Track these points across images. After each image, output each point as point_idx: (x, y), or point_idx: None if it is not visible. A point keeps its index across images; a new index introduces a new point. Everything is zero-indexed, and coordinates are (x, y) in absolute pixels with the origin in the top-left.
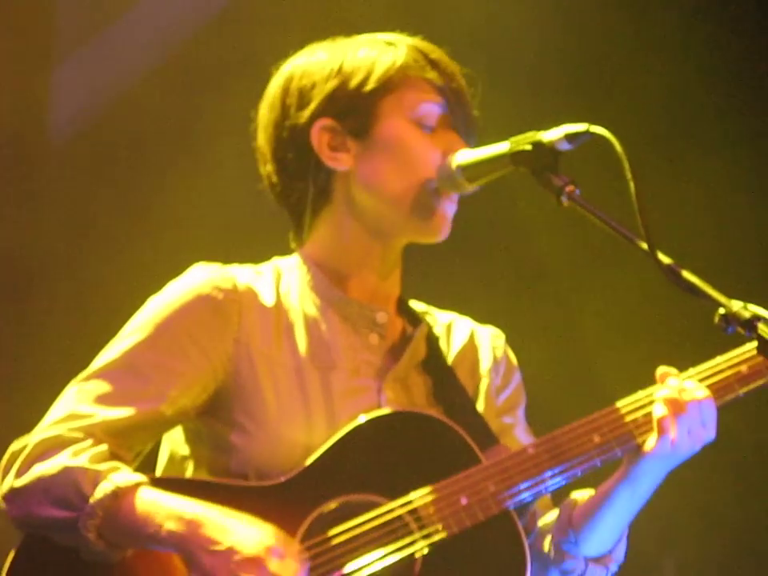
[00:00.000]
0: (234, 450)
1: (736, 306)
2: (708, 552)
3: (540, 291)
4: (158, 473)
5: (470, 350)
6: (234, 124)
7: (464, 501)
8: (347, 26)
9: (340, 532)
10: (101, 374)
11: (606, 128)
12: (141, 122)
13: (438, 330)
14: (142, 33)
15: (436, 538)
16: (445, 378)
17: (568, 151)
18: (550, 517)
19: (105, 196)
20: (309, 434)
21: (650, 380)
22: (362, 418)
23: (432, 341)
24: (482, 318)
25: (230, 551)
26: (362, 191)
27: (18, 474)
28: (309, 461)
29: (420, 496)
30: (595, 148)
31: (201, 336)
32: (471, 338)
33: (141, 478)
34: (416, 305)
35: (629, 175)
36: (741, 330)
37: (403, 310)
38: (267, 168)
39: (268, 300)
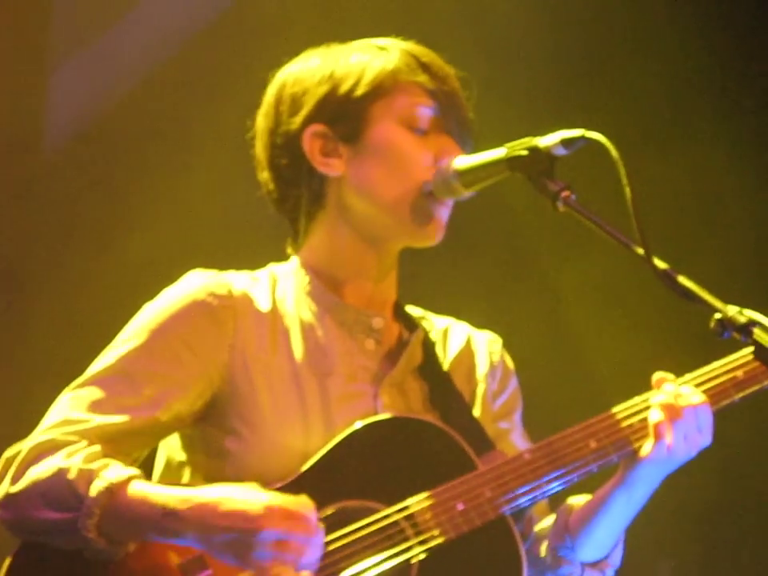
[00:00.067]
0: (229, 456)
1: (731, 310)
2: (704, 557)
3: (533, 289)
4: (155, 479)
5: (466, 355)
6: (231, 129)
7: (460, 506)
8: (345, 31)
9: (336, 538)
10: (95, 381)
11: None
12: (136, 126)
13: (435, 335)
14: (138, 37)
15: (432, 543)
16: (441, 384)
17: (564, 156)
18: (546, 522)
19: (100, 200)
20: (306, 439)
21: (646, 381)
22: (358, 424)
23: (428, 346)
24: (473, 318)
25: (233, 512)
26: (355, 196)
27: (14, 480)
28: (305, 467)
29: (416, 502)
30: (592, 152)
31: (196, 342)
32: (468, 342)
33: (132, 471)
34: (412, 310)
35: (624, 180)
36: (736, 335)
37: (399, 315)
38: (264, 175)
39: (264, 306)
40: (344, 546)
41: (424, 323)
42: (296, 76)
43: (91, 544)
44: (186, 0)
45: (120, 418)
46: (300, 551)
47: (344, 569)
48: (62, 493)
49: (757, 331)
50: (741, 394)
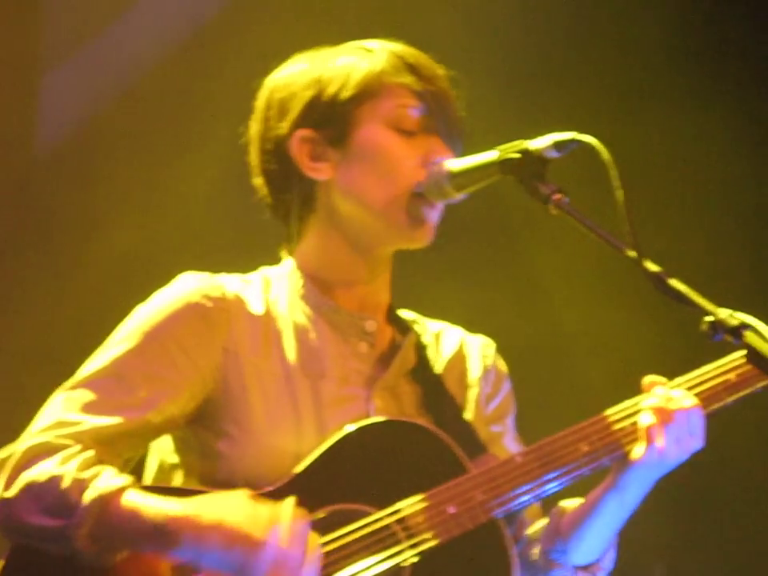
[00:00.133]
0: (221, 458)
1: (723, 313)
2: (697, 560)
3: (524, 291)
4: (146, 482)
5: (459, 358)
6: (220, 131)
7: (452, 510)
8: (336, 33)
9: (328, 541)
10: (88, 383)
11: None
12: (128, 129)
13: (428, 339)
14: (130, 39)
15: (424, 547)
16: (434, 387)
17: (556, 159)
18: (538, 525)
19: (92, 202)
20: (298, 442)
21: (637, 384)
22: (351, 427)
23: (421, 349)
24: (460, 316)
25: (224, 525)
26: (344, 200)
27: (7, 484)
28: (296, 470)
29: (408, 505)
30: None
31: (189, 344)
32: (461, 346)
33: (124, 480)
34: (405, 313)
35: (616, 183)
36: (728, 337)
37: (392, 318)
38: (257, 181)
39: (257, 309)
40: (335, 549)
41: (417, 327)
42: (284, 81)
43: (81, 552)
44: (177, 4)
45: (113, 420)
46: (297, 572)
47: (335, 572)
48: (54, 500)
49: (749, 334)
50: (733, 398)
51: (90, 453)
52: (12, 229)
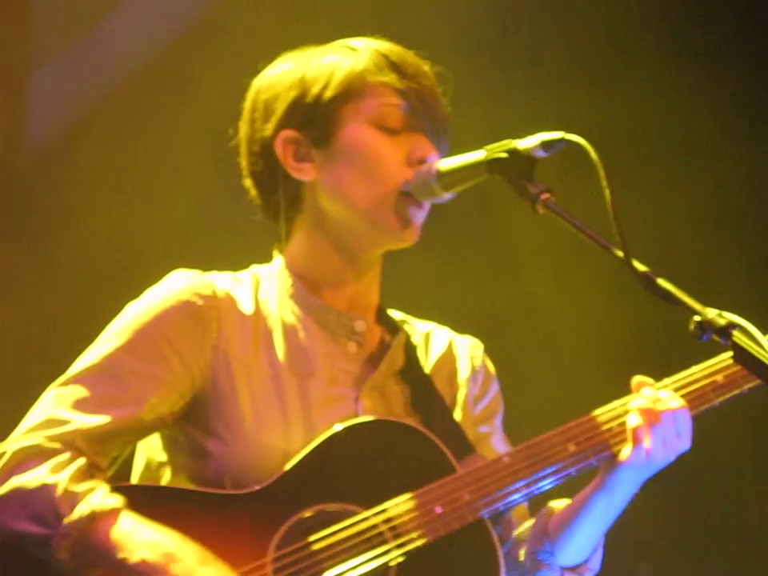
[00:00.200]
0: (209, 457)
1: (711, 313)
2: (684, 560)
3: (512, 293)
4: (134, 480)
5: (448, 359)
6: (210, 129)
7: (439, 510)
8: (323, 32)
9: (314, 540)
10: (79, 379)
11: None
12: (119, 129)
13: (417, 339)
14: (120, 38)
15: (410, 546)
16: (422, 387)
17: (544, 158)
18: (526, 526)
19: (84, 201)
20: (286, 441)
21: (626, 384)
22: (338, 427)
23: (410, 349)
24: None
25: None
26: (329, 200)
27: None
28: (283, 469)
29: (395, 505)
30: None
31: (180, 342)
32: (449, 347)
33: (118, 502)
34: (394, 313)
35: (604, 183)
36: (716, 337)
37: (382, 318)
38: (246, 182)
39: (247, 307)
40: (322, 549)
41: (406, 327)
42: (269, 82)
43: (60, 564)
44: (165, 3)
45: (103, 419)
46: None
47: (322, 571)
48: (43, 509)
49: (736, 334)
50: (720, 399)
51: (82, 461)
52: None
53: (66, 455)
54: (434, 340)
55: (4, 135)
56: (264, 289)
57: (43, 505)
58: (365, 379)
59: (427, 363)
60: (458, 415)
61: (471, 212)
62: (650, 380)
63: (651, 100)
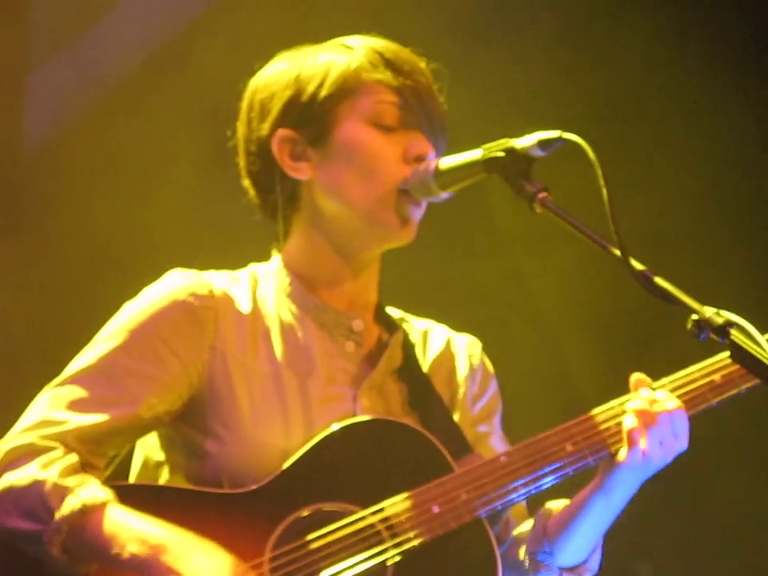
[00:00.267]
0: (207, 457)
1: (708, 312)
2: (683, 560)
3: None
4: (132, 479)
5: (446, 357)
6: (213, 129)
7: (436, 509)
8: (320, 30)
9: (311, 540)
10: (74, 380)
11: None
12: (115, 130)
13: (415, 338)
14: (117, 38)
15: (407, 546)
16: (421, 386)
17: (541, 157)
18: (525, 526)
19: (82, 200)
20: (286, 439)
21: (625, 382)
22: (335, 426)
23: (408, 348)
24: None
25: (205, 571)
26: (326, 199)
27: None
28: (281, 469)
29: (392, 504)
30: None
31: (176, 342)
32: (447, 345)
33: (108, 495)
34: (393, 311)
35: (601, 181)
36: (714, 336)
37: (380, 316)
38: (245, 182)
39: (244, 307)
40: (319, 548)
41: (404, 325)
42: (265, 81)
43: (53, 559)
44: (163, 3)
45: (99, 418)
46: None
47: (319, 571)
48: (34, 504)
49: (734, 332)
50: (718, 399)
51: (73, 457)
52: None
53: (58, 452)
54: (432, 338)
55: (2, 135)
56: (262, 288)
57: (33, 500)
58: (363, 378)
59: (425, 362)
60: (456, 414)
61: (467, 206)
62: (647, 379)
63: (651, 96)
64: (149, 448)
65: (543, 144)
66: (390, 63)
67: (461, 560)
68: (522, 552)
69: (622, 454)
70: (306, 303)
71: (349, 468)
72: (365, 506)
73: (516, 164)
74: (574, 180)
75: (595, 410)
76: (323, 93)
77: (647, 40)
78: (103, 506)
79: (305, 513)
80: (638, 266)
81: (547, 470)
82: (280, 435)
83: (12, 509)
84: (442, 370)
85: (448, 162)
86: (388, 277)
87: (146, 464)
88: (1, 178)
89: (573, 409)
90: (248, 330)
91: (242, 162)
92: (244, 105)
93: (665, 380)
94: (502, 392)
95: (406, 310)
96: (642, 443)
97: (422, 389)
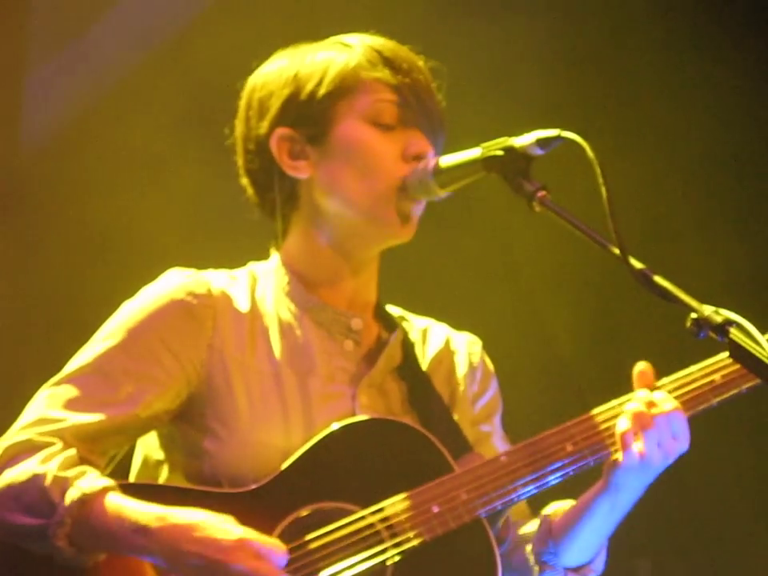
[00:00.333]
0: (206, 456)
1: (707, 310)
2: (682, 557)
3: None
4: (132, 478)
5: (445, 356)
6: (213, 128)
7: (435, 509)
8: (320, 28)
9: (311, 539)
10: (72, 379)
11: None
12: (113, 129)
13: (414, 336)
14: (116, 38)
15: (407, 546)
16: (420, 385)
17: (540, 156)
18: (530, 527)
19: (81, 200)
20: (286, 438)
21: (626, 381)
22: (335, 425)
23: (407, 346)
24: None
25: (207, 539)
26: (325, 197)
27: None
28: (280, 468)
29: (392, 504)
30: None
31: (174, 342)
32: (447, 344)
33: (107, 482)
34: (392, 309)
35: (600, 180)
36: (713, 334)
37: (380, 315)
38: (243, 181)
39: (243, 305)
40: (319, 547)
41: (403, 324)
42: (263, 79)
43: (61, 552)
44: (162, 2)
45: (96, 417)
46: None
47: (319, 570)
48: (35, 499)
49: (733, 330)
50: (718, 398)
51: (72, 451)
52: None
53: (57, 446)
54: (431, 336)
55: (0, 134)
56: (261, 286)
57: (34, 495)
58: (362, 377)
59: (425, 360)
60: (456, 413)
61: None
62: (650, 371)
63: (650, 92)
64: (149, 447)
65: (542, 142)
66: (388, 61)
67: (460, 560)
68: (526, 552)
69: (620, 456)
70: (305, 302)
71: (348, 468)
72: (364, 506)
73: (515, 162)
74: (574, 179)
75: (596, 410)
76: (322, 91)
77: (648, 36)
78: (104, 492)
79: (304, 512)
80: (637, 264)
81: (547, 469)
82: (279, 433)
83: (14, 505)
84: (441, 368)
85: (447, 160)
86: (386, 272)
87: (146, 462)
88: (1, 177)
89: (573, 409)
90: (246, 328)
91: (240, 160)
92: (242, 103)
93: (665, 380)
94: (502, 390)
95: (405, 307)
96: (636, 446)
97: (421, 387)
